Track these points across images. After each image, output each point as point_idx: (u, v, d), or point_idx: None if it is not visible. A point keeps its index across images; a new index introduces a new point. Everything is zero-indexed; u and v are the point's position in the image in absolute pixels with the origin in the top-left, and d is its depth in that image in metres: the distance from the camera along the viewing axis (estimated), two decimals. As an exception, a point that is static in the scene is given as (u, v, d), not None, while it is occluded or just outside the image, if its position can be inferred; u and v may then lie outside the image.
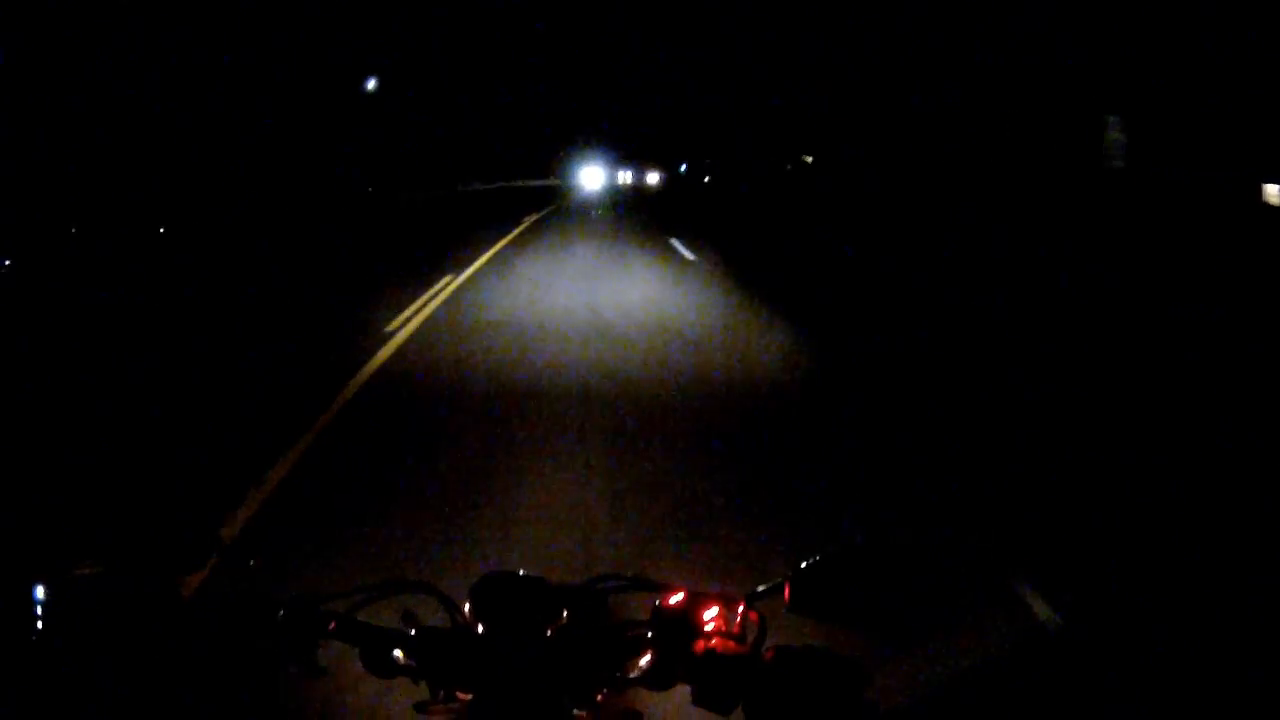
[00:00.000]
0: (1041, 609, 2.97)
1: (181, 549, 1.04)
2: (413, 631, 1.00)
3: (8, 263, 12.37)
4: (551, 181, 57.36)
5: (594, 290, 10.59)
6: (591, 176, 58.57)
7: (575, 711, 0.99)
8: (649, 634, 0.99)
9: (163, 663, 0.94)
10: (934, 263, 13.27)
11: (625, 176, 68.90)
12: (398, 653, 1.00)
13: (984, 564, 3.24)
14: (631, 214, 27.54)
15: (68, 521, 3.30)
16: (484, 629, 1.00)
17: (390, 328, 8.11)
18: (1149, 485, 4.16)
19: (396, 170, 37.19)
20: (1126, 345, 7.42)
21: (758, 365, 6.91)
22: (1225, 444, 4.74)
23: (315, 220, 22.29)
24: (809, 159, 36.95)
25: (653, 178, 61.69)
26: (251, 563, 1.05)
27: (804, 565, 1.00)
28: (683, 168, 56.14)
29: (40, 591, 0.94)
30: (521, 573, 1.07)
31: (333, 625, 1.00)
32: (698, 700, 0.95)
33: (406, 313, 8.84)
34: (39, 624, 0.93)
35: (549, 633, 1.00)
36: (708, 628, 0.98)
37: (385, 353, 7.18)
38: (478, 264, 13.20)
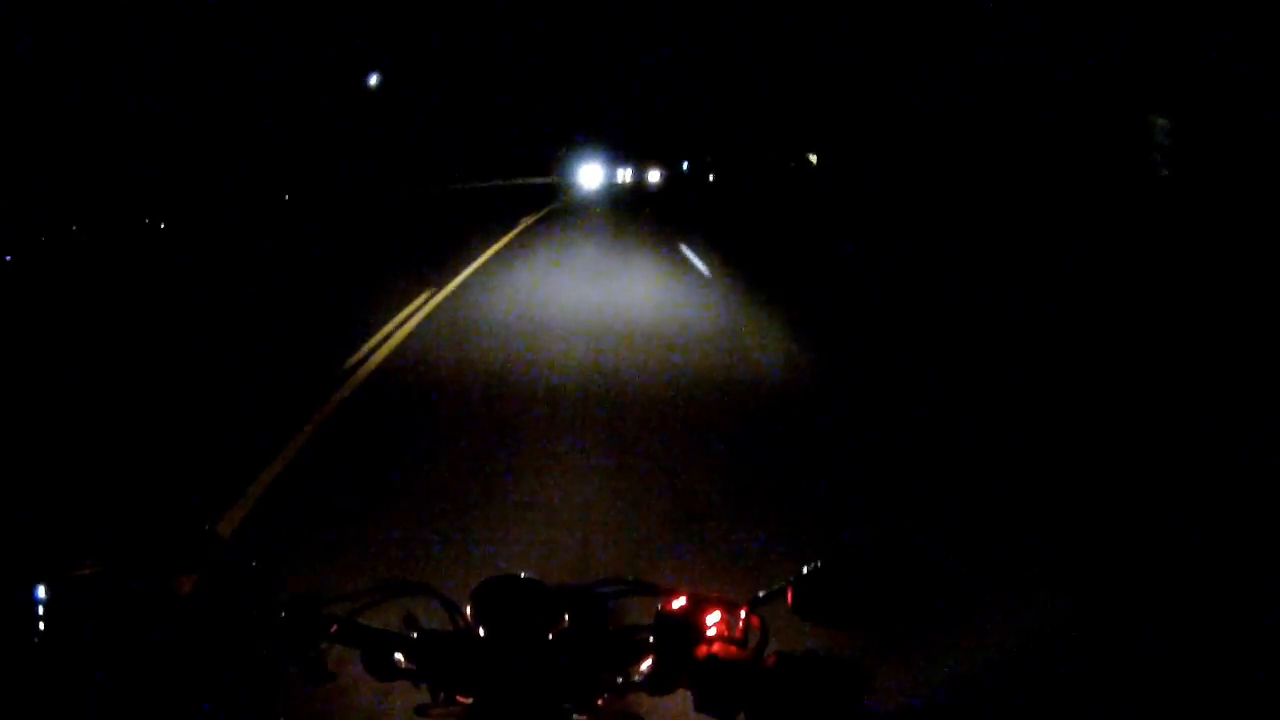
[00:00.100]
0: (1043, 609, 2.97)
1: (181, 549, 1.04)
2: (414, 634, 1.00)
3: (9, 258, 12.38)
4: (551, 179, 57.00)
5: (598, 317, 8.60)
6: (590, 174, 58.24)
7: (576, 716, 0.99)
8: (650, 638, 0.99)
9: (163, 664, 0.93)
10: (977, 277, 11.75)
11: (625, 174, 68.64)
12: (399, 656, 1.00)
13: (983, 566, 3.23)
14: (635, 214, 26.01)
15: (68, 521, 3.30)
16: (485, 632, 1.00)
17: (351, 361, 6.48)
18: (1150, 485, 4.17)
19: (390, 168, 36.35)
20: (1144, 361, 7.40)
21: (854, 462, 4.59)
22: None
23: (294, 222, 20.61)
24: (813, 157, 36.74)
25: (654, 175, 61.59)
26: (254, 564, 1.04)
27: (806, 570, 1.00)
28: (685, 165, 56.11)
29: (41, 591, 0.93)
30: (523, 576, 1.07)
31: (334, 628, 1.00)
32: (699, 705, 0.95)
33: (374, 339, 7.24)
34: (40, 625, 0.93)
35: (550, 636, 1.00)
36: (709, 632, 0.98)
37: (334, 403, 5.43)
38: (463, 277, 11.33)
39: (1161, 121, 16.45)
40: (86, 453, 4.64)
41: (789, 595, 1.00)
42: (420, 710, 0.99)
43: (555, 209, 28.28)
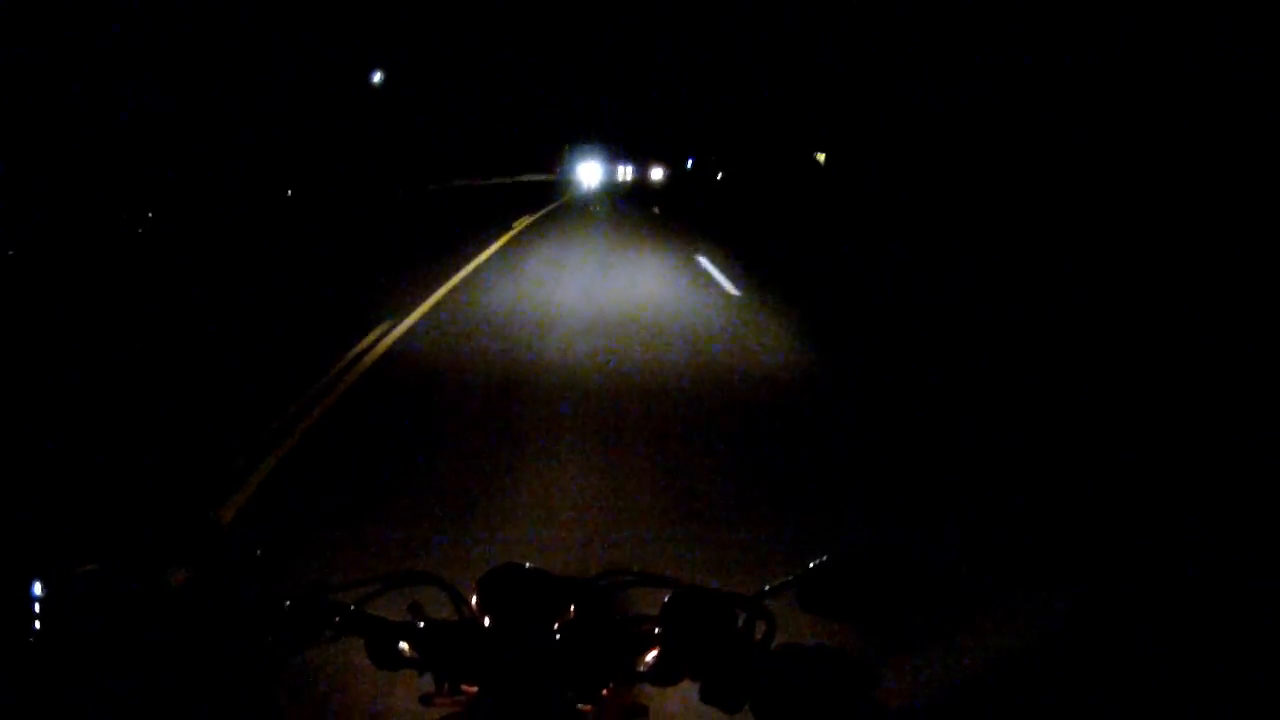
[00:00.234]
0: (1044, 608, 2.97)
1: (182, 540, 1.04)
2: (420, 624, 1.00)
3: (10, 253, 12.39)
4: (552, 177, 56.64)
5: (602, 361, 6.61)
6: (589, 172, 57.93)
7: (580, 706, 0.99)
8: (656, 629, 0.99)
9: (166, 656, 0.93)
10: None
11: (626, 172, 68.12)
12: (404, 645, 1.00)
13: (988, 562, 3.23)
14: (641, 215, 24.30)
15: (67, 520, 3.29)
16: (491, 622, 1.00)
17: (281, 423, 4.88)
18: (1149, 485, 4.16)
19: (390, 166, 35.40)
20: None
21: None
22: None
23: (266, 225, 18.42)
24: (821, 156, 36.43)
25: (656, 173, 61.37)
26: (258, 553, 1.04)
27: (813, 564, 1.00)
28: (689, 163, 56.01)
29: (38, 588, 0.93)
30: (529, 566, 1.07)
31: (339, 617, 1.00)
32: (705, 697, 0.95)
33: (317, 387, 5.65)
34: (37, 622, 0.92)
35: (556, 626, 1.00)
36: (716, 624, 0.98)
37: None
38: (436, 297, 9.14)
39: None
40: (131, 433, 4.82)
41: (795, 588, 1.00)
42: (425, 699, 0.99)
43: (555, 209, 26.51)
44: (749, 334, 7.82)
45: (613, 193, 42.19)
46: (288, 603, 1.00)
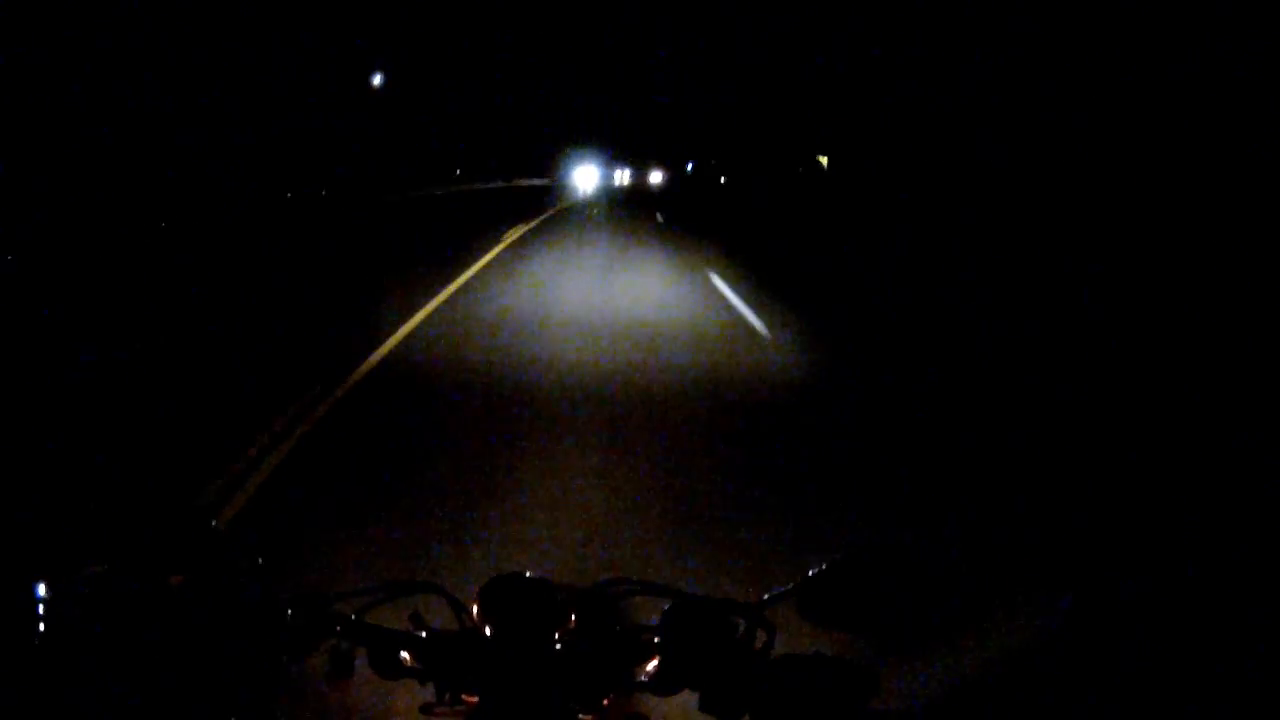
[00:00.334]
0: (1044, 608, 2.97)
1: (183, 546, 1.04)
2: (420, 633, 1.00)
3: (9, 258, 12.38)
4: (548, 181, 55.70)
5: (605, 430, 5.04)
6: (586, 176, 56.92)
7: (582, 715, 0.99)
8: (656, 638, 0.99)
9: (167, 659, 0.94)
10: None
11: (623, 176, 67.27)
12: (405, 654, 1.00)
13: (988, 567, 3.23)
14: (643, 223, 22.45)
15: (68, 521, 3.28)
16: (492, 631, 1.00)
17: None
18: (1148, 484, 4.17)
19: (389, 170, 34.08)
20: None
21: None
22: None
23: (218, 240, 16.08)
24: (824, 160, 36.09)
25: (656, 177, 61.00)
26: (260, 560, 1.04)
27: (812, 572, 1.00)
28: (689, 167, 55.83)
29: (41, 590, 0.93)
30: (529, 575, 1.07)
31: (340, 626, 1.01)
32: (704, 706, 0.95)
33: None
34: (39, 625, 0.92)
35: (557, 636, 1.00)
36: (715, 633, 0.98)
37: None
38: (388, 347, 7.04)
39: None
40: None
41: (794, 597, 1.00)
42: (426, 709, 1.00)
43: (550, 218, 24.50)
44: (798, 406, 5.73)
45: (611, 198, 40.40)
46: (289, 611, 1.00)
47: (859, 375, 6.78)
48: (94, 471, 4.25)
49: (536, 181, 54.26)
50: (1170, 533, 3.64)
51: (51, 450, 4.61)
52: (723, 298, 10.03)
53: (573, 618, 1.02)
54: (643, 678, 1.00)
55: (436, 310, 8.82)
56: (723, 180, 44.76)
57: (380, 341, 7.13)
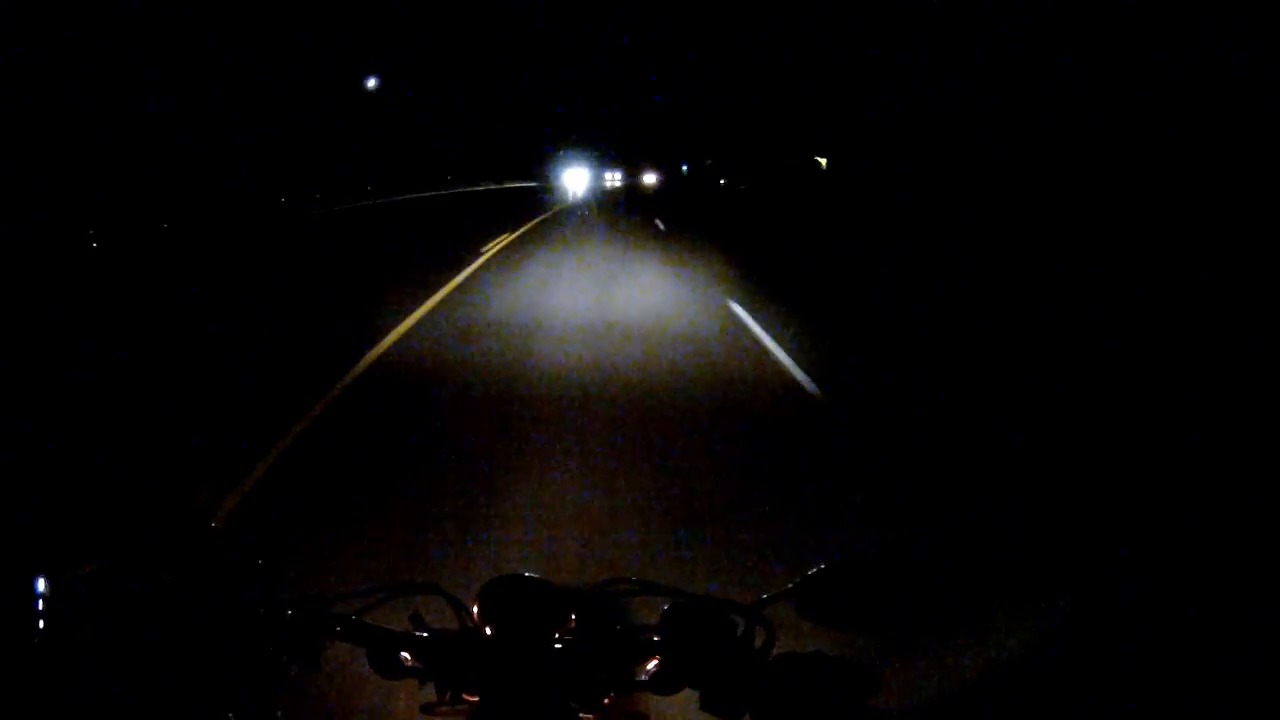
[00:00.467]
0: (1044, 608, 2.97)
1: (182, 547, 1.04)
2: (422, 633, 1.00)
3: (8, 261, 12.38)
4: (536, 184, 54.82)
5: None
6: (576, 178, 55.90)
7: (582, 715, 0.99)
8: (656, 638, 1.00)
9: (165, 662, 0.93)
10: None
11: (614, 178, 65.94)
12: (405, 654, 1.00)
13: (988, 567, 3.23)
14: (642, 231, 20.24)
15: (67, 520, 3.27)
16: (492, 631, 1.00)
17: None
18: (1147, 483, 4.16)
19: (339, 174, 31.96)
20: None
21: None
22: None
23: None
24: (822, 160, 35.73)
25: (650, 178, 60.45)
26: (259, 561, 1.04)
27: (812, 572, 1.01)
28: (684, 169, 55.71)
29: (40, 589, 0.93)
30: (529, 575, 1.07)
31: (340, 626, 1.01)
32: (705, 705, 0.95)
33: None
34: (39, 623, 0.92)
35: (557, 636, 1.00)
36: (715, 633, 0.98)
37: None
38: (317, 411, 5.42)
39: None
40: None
41: (794, 597, 1.00)
42: (426, 708, 1.00)
43: (539, 224, 22.59)
44: (894, 524, 3.79)
45: (603, 202, 38.18)
46: (289, 611, 1.00)
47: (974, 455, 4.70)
48: (92, 471, 4.24)
49: (525, 184, 53.62)
50: (1170, 533, 3.64)
51: (51, 450, 4.61)
52: (750, 336, 7.85)
53: (573, 617, 1.02)
54: (643, 677, 1.00)
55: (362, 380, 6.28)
56: (722, 182, 44.29)
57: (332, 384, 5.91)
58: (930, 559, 1.02)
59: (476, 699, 0.98)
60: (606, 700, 1.00)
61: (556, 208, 31.42)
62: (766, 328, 8.09)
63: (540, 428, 5.11)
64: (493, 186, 47.44)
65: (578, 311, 9.27)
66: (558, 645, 0.99)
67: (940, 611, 1.01)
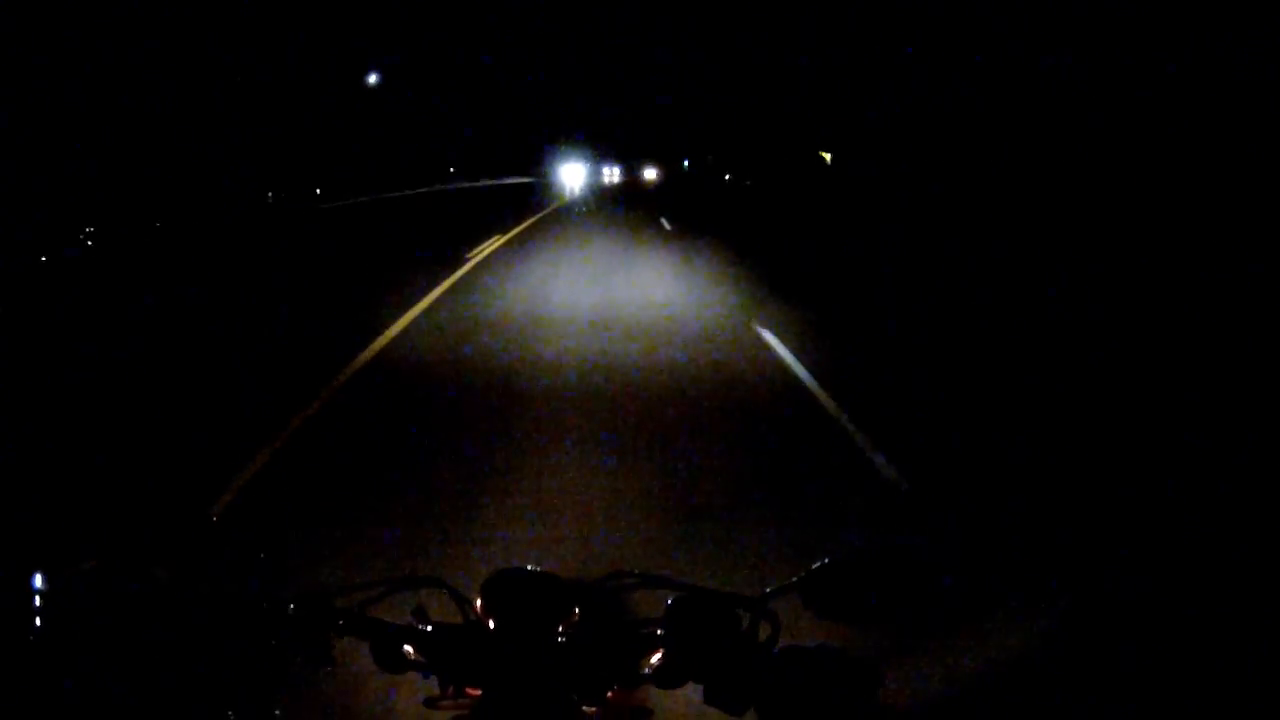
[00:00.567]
0: (1044, 608, 2.96)
1: (183, 542, 1.04)
2: (425, 627, 1.00)
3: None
4: (532, 179, 53.48)
5: None
6: (573, 174, 54.52)
7: (585, 708, 0.99)
8: (660, 631, 0.99)
9: (164, 659, 0.93)
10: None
11: (612, 174, 63.82)
12: (408, 648, 1.00)
13: (988, 567, 3.23)
14: (648, 232, 18.19)
15: (66, 518, 3.27)
16: (495, 625, 1.00)
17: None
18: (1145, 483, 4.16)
19: (337, 172, 30.98)
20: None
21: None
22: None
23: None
24: (827, 156, 35.10)
25: (650, 174, 59.73)
26: (261, 555, 1.04)
27: (817, 566, 1.00)
28: (685, 164, 55.47)
29: (38, 585, 0.93)
30: (532, 568, 1.07)
31: (343, 620, 1.00)
32: (709, 699, 0.95)
33: None
34: (37, 620, 0.92)
35: (560, 629, 1.00)
36: (720, 627, 0.98)
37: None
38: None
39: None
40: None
41: (799, 590, 1.00)
42: (429, 702, 1.00)
43: (534, 225, 20.43)
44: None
45: (603, 199, 36.08)
46: (291, 605, 1.00)
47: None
48: (90, 470, 4.25)
49: (524, 180, 52.81)
50: (1170, 533, 3.63)
51: (50, 449, 4.61)
52: (791, 379, 6.01)
53: (576, 611, 1.02)
54: (647, 671, 0.99)
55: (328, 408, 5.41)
56: (727, 178, 43.72)
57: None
58: (932, 556, 1.02)
59: (480, 692, 0.98)
60: (610, 694, 1.00)
61: (554, 205, 29.06)
62: (808, 363, 6.26)
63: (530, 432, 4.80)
64: (491, 183, 47.12)
65: (572, 327, 7.88)
66: (561, 638, 0.99)
67: (941, 609, 1.01)
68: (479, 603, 1.02)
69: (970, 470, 4.35)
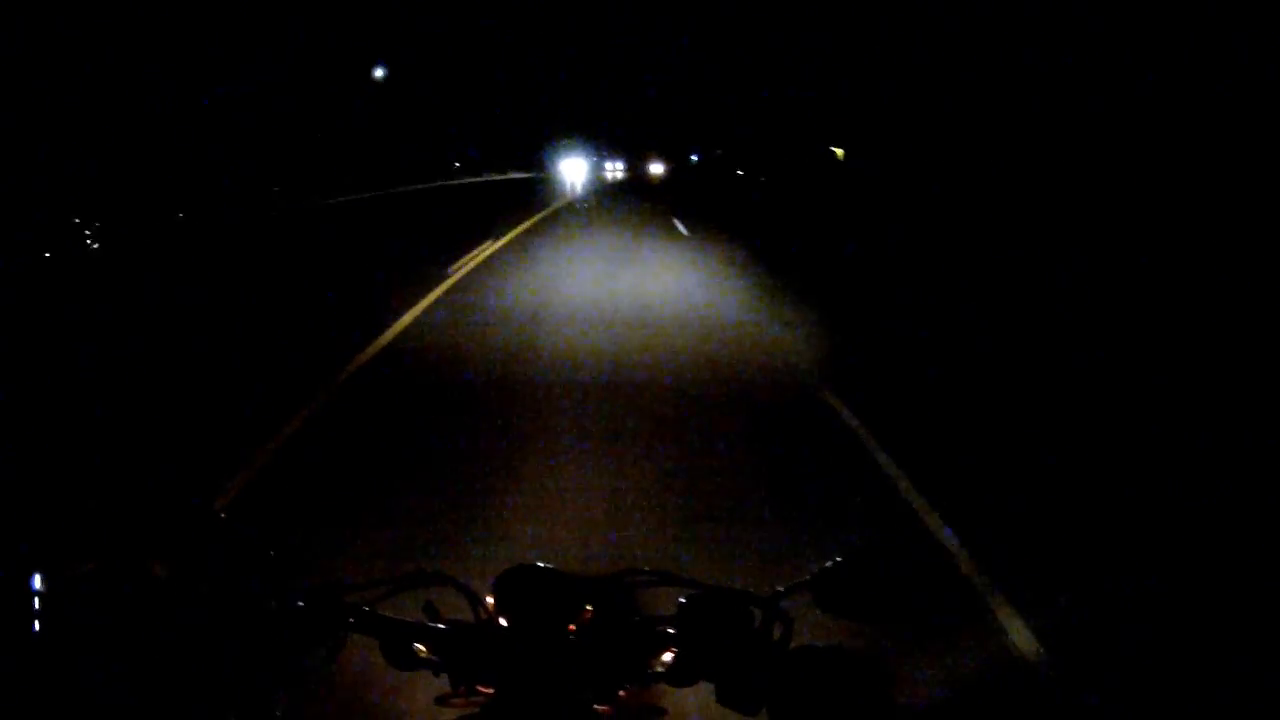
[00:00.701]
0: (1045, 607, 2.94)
1: (190, 538, 1.03)
2: (436, 625, 1.00)
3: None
4: (532, 174, 52.46)
5: None
6: (575, 169, 52.97)
7: (597, 706, 0.99)
8: (673, 630, 0.99)
9: (168, 662, 0.93)
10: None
11: (615, 169, 62.52)
12: (419, 645, 0.99)
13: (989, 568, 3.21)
14: (660, 236, 16.19)
15: (64, 515, 3.23)
16: (507, 623, 1.00)
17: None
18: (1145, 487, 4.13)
19: (329, 167, 29.65)
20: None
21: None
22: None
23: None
24: (839, 151, 34.34)
25: (656, 169, 58.88)
26: (271, 553, 1.03)
27: (829, 564, 1.00)
28: (694, 158, 55.18)
29: (38, 582, 0.92)
30: (544, 566, 1.06)
31: (353, 618, 1.00)
32: (721, 698, 0.95)
33: None
34: (35, 621, 0.91)
35: (572, 627, 0.99)
36: (732, 625, 0.98)
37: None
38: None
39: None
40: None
41: (812, 589, 0.99)
42: (440, 700, 0.99)
43: (532, 227, 18.14)
44: None
45: (608, 196, 33.71)
46: (301, 603, 0.99)
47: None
48: (91, 470, 4.25)
49: (524, 175, 51.94)
50: (1170, 533, 3.62)
51: (49, 450, 4.60)
52: (901, 503, 3.85)
53: (588, 609, 1.01)
54: (659, 669, 0.99)
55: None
56: (740, 173, 43.13)
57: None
58: (936, 557, 1.01)
59: (491, 691, 0.98)
60: (622, 692, 1.00)
61: (556, 205, 26.21)
62: (898, 452, 4.36)
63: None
64: (496, 178, 46.71)
65: (585, 374, 5.99)
66: (573, 637, 0.98)
67: (945, 608, 1.00)
68: (490, 600, 1.02)
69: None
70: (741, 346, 6.97)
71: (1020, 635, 2.72)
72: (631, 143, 66.42)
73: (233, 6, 25.82)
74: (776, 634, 0.96)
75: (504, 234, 16.04)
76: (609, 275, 10.94)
